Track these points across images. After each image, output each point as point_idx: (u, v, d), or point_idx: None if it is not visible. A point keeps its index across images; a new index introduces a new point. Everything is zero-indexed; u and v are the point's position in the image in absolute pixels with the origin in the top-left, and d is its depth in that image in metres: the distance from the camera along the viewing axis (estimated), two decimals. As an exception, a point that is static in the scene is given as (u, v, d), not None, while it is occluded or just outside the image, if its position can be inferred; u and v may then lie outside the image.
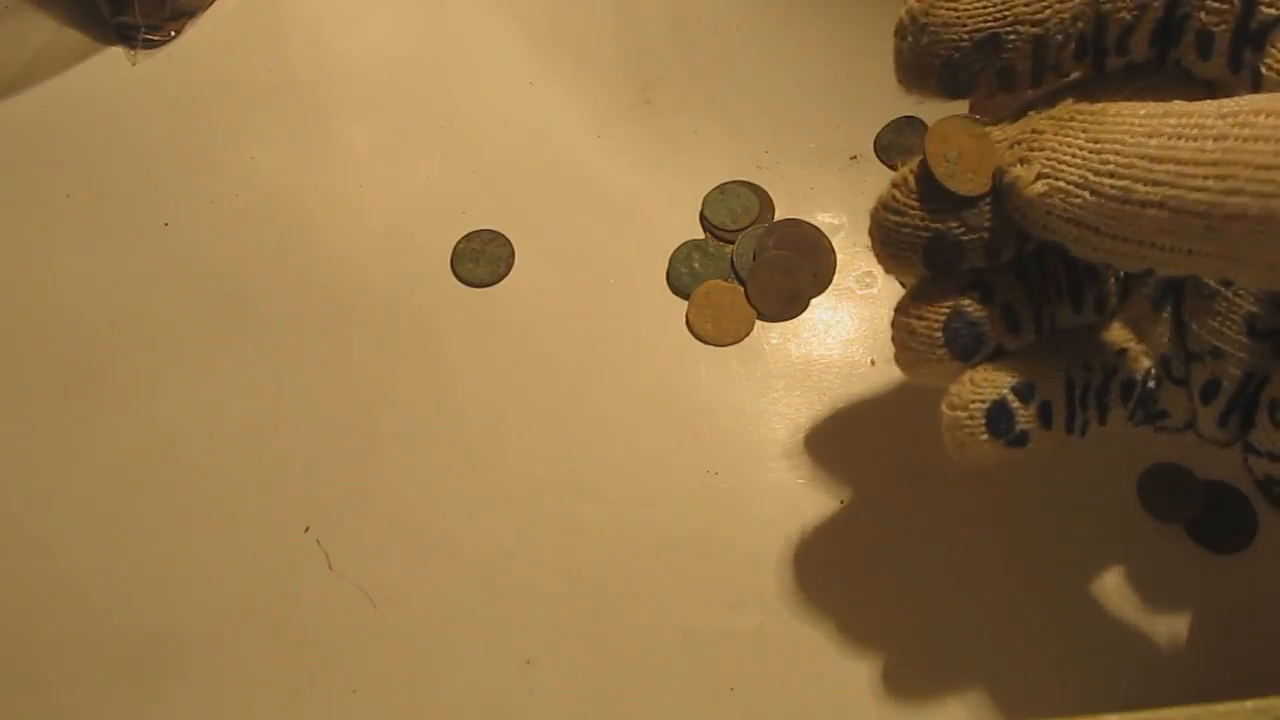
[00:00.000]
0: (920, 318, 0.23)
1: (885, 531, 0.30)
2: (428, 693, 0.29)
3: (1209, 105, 0.19)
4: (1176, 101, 0.19)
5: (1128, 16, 0.22)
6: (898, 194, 0.23)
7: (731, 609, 0.30)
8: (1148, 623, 0.28)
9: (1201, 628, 0.28)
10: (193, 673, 0.30)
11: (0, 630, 0.31)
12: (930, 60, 0.22)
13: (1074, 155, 0.20)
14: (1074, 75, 0.24)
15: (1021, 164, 0.21)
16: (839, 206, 0.36)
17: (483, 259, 0.36)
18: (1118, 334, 0.24)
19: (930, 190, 0.22)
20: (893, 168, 0.36)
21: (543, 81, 0.40)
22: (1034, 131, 0.21)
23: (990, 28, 0.22)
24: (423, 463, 0.32)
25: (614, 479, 0.32)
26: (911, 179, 0.23)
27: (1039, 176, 0.20)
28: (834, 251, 0.35)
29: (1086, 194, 0.20)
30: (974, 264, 0.23)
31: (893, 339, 0.24)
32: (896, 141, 0.37)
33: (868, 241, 0.35)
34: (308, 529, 0.32)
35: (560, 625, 0.30)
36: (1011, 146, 0.22)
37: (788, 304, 0.34)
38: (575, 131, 0.38)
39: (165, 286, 0.36)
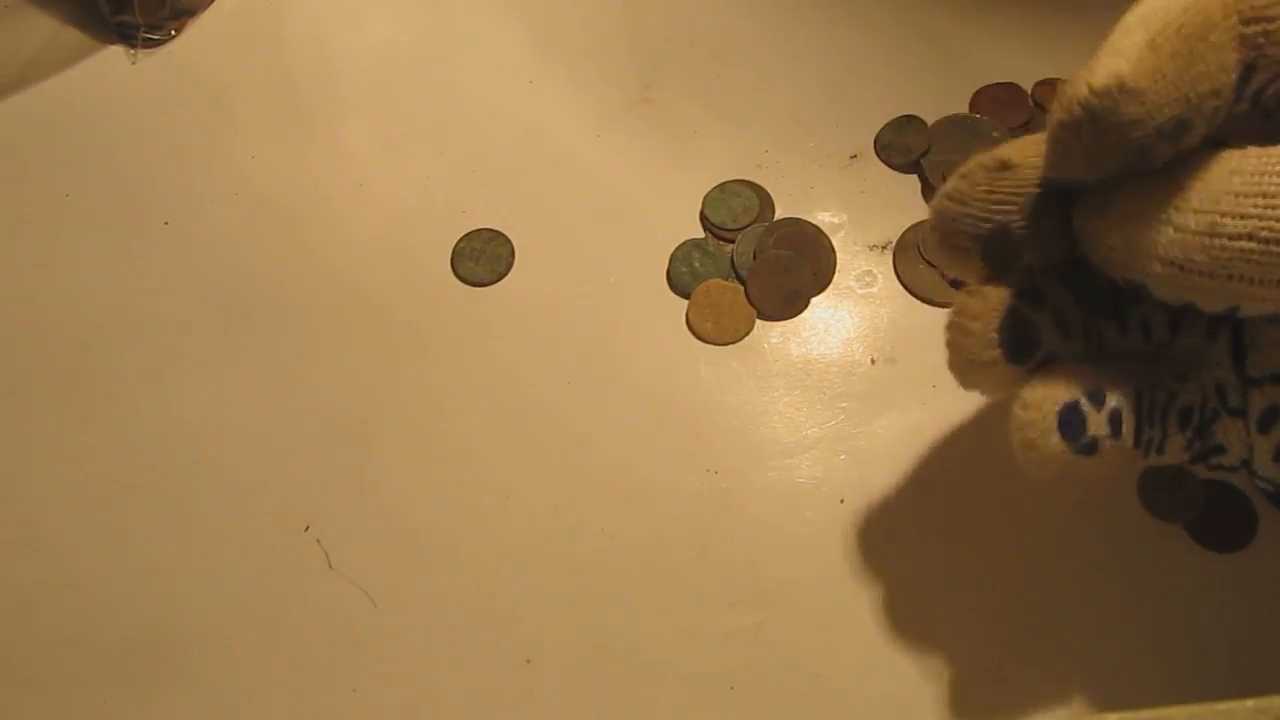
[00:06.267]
0: (975, 318, 0.23)
1: (885, 531, 0.30)
2: (428, 692, 0.29)
3: None
4: (1252, 147, 0.20)
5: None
6: (963, 184, 0.23)
7: (731, 609, 0.30)
8: (1147, 622, 0.28)
9: (1201, 627, 0.28)
10: (193, 672, 0.30)
11: (0, 630, 0.31)
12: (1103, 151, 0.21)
13: (1155, 195, 0.20)
14: None
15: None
16: (839, 205, 0.36)
17: (483, 258, 0.36)
18: (1179, 359, 0.24)
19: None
20: (893, 167, 0.36)
21: (543, 81, 0.40)
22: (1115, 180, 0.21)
23: (1178, 113, 0.20)
24: (423, 462, 0.32)
25: (614, 479, 0.32)
26: (979, 171, 0.23)
27: (1121, 218, 0.20)
28: (834, 250, 0.35)
29: (1170, 230, 0.20)
30: (1028, 261, 0.23)
31: (947, 343, 0.24)
32: (896, 141, 0.37)
33: (868, 240, 0.35)
34: (308, 528, 0.32)
35: (560, 625, 0.30)
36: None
37: (788, 303, 0.34)
38: (575, 130, 0.38)
39: (165, 286, 0.36)
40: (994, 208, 0.23)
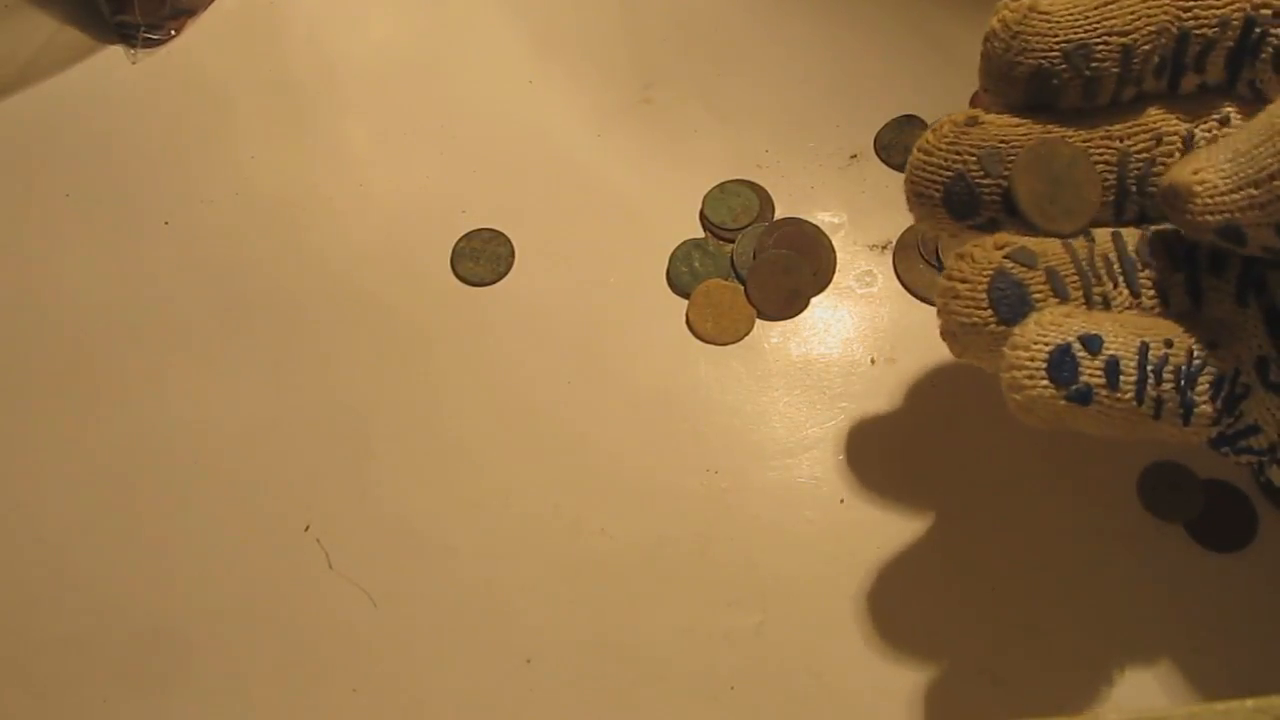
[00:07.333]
0: (964, 280, 0.23)
1: (885, 530, 0.30)
2: (428, 693, 0.29)
3: None
4: None
5: (1209, 33, 0.23)
6: (931, 137, 0.24)
7: (731, 608, 0.30)
8: (1147, 622, 0.28)
9: (1201, 627, 0.28)
10: (193, 672, 0.30)
11: (0, 630, 0.31)
12: (1019, 68, 0.23)
13: (1216, 151, 0.21)
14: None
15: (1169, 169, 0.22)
16: (839, 205, 0.36)
17: (483, 258, 0.36)
18: (1208, 328, 0.23)
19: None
20: (893, 167, 0.36)
21: (543, 80, 0.40)
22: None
23: (1081, 38, 0.23)
24: (423, 462, 0.32)
25: (614, 478, 0.32)
26: (947, 125, 0.24)
27: (1195, 172, 0.21)
28: (834, 250, 0.35)
29: (1226, 164, 0.21)
30: (992, 214, 0.24)
31: (938, 310, 0.24)
32: (896, 140, 0.37)
33: (868, 240, 0.35)
34: (308, 528, 0.32)
35: (560, 625, 0.30)
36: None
37: (787, 303, 0.34)
38: (575, 130, 0.38)
39: (165, 286, 0.36)
40: (954, 157, 0.24)
